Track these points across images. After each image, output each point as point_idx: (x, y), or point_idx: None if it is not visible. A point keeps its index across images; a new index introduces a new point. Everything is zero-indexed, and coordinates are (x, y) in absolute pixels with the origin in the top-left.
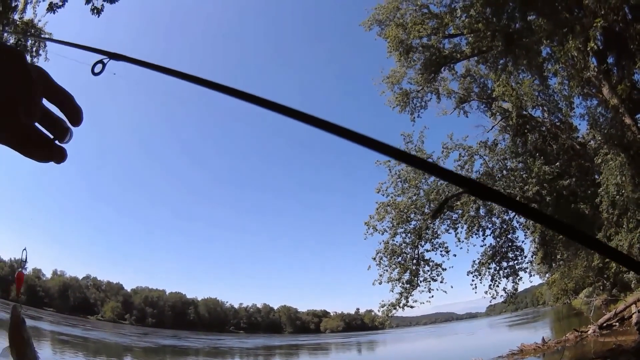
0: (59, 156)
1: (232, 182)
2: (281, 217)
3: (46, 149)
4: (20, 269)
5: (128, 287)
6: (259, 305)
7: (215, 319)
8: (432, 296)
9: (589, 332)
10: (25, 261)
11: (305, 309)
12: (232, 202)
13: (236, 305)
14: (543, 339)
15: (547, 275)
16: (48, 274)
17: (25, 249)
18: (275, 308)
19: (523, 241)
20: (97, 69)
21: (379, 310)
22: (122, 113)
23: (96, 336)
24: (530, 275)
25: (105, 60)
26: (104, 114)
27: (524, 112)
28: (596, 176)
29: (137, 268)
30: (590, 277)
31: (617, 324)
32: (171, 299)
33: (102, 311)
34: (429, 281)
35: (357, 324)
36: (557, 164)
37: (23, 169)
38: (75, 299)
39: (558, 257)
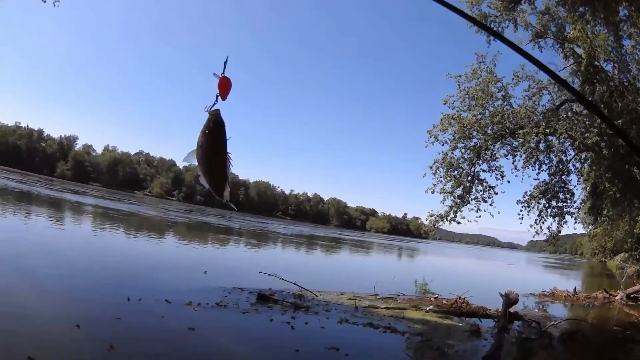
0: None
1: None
2: (342, 109)
3: None
4: (221, 74)
5: (181, 165)
6: (310, 194)
7: (264, 202)
8: (480, 217)
9: (617, 298)
10: (225, 68)
11: (355, 205)
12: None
13: (287, 192)
14: (575, 289)
15: (590, 227)
16: (99, 149)
17: (227, 57)
18: (325, 199)
19: (575, 186)
20: None
21: (426, 220)
22: None
23: (139, 211)
24: (575, 222)
25: None
26: None
27: (596, 63)
28: None
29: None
30: (629, 243)
31: None
32: None
33: (150, 187)
34: (480, 201)
35: (403, 229)
36: (620, 121)
37: (76, 47)
38: (124, 174)
39: (604, 212)
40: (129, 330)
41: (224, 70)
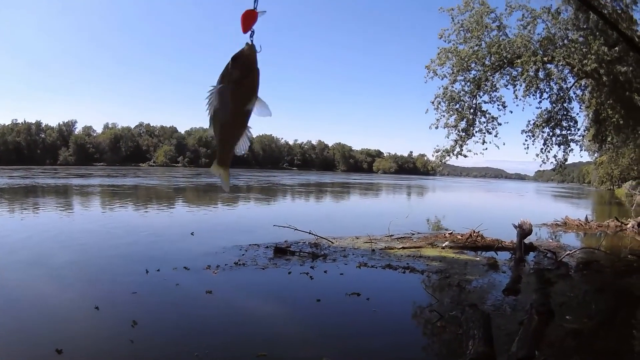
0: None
1: None
2: (340, 51)
3: None
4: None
5: (182, 130)
6: (314, 142)
7: (269, 156)
8: (486, 149)
9: (628, 226)
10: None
11: (360, 148)
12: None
13: (291, 142)
14: (586, 217)
15: (595, 154)
16: (99, 129)
17: None
18: (330, 145)
19: (577, 114)
20: None
21: (432, 156)
22: None
23: (144, 183)
24: (581, 150)
25: None
26: None
27: None
28: None
29: (194, 111)
30: (636, 170)
31: None
32: None
33: (154, 157)
34: (484, 133)
35: (409, 167)
36: (616, 48)
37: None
38: (127, 149)
39: (608, 139)
40: (149, 303)
41: (256, 6)
